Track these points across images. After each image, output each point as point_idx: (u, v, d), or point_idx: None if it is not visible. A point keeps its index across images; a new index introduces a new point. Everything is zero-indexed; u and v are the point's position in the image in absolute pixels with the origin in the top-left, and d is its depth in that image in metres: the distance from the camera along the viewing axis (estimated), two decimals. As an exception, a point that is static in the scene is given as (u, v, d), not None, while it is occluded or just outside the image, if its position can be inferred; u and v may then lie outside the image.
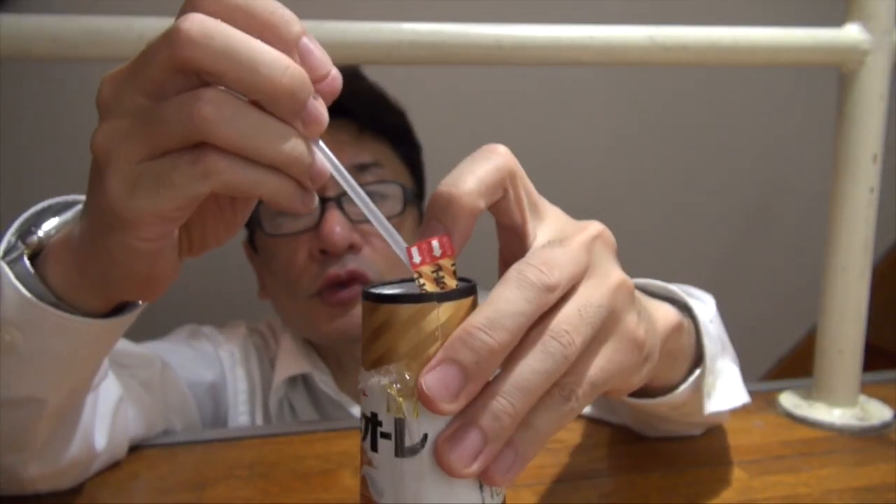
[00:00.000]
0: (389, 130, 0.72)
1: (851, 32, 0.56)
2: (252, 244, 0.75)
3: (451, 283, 0.27)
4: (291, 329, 0.76)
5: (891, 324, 1.33)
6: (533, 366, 0.26)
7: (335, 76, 0.28)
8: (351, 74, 0.61)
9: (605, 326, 0.28)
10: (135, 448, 0.55)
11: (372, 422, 0.26)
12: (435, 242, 0.27)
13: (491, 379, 0.26)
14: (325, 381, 0.72)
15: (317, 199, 0.29)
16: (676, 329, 0.39)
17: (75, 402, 0.42)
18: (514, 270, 0.27)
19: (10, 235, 0.34)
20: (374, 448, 0.27)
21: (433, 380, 0.25)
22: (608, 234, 0.31)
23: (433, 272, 0.26)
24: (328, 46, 0.50)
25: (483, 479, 0.26)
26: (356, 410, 0.72)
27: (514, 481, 0.27)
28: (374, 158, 0.69)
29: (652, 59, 0.53)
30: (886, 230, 1.49)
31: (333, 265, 0.65)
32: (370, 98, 0.72)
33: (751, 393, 0.65)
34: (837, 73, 0.57)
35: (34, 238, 0.35)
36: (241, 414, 0.73)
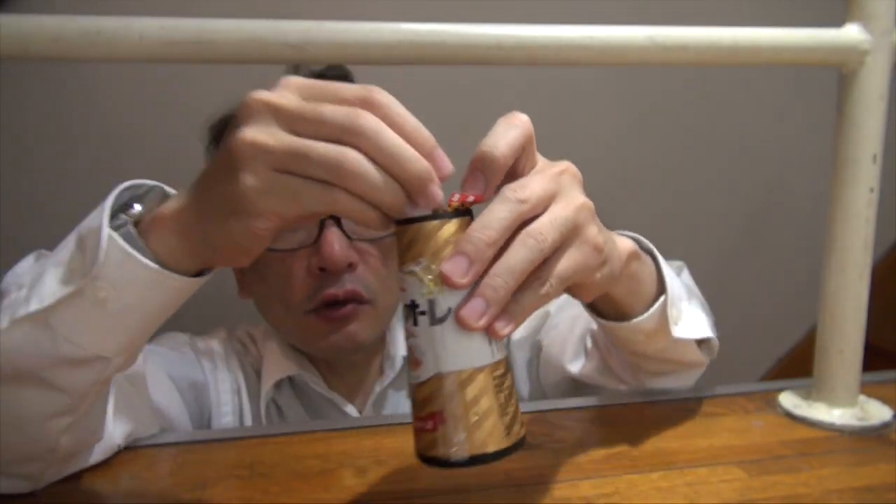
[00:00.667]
0: None
1: (851, 32, 0.56)
2: None
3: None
4: (281, 336, 0.76)
5: (891, 324, 1.33)
6: (517, 255, 0.37)
7: (450, 171, 0.38)
8: (342, 78, 0.65)
9: (570, 233, 0.39)
10: (135, 448, 0.55)
11: (412, 307, 0.37)
12: (470, 199, 0.38)
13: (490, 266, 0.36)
14: (315, 382, 0.74)
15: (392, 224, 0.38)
16: (634, 255, 0.50)
17: (126, 369, 0.45)
18: (500, 193, 0.38)
19: (108, 210, 0.40)
20: (416, 323, 0.37)
21: (449, 265, 0.36)
22: (574, 169, 0.42)
23: (457, 207, 0.38)
24: (328, 46, 0.50)
25: (489, 334, 0.37)
26: (350, 409, 0.74)
27: (509, 335, 0.38)
28: None
29: (652, 59, 0.53)
30: (886, 230, 1.49)
31: (332, 285, 0.66)
32: None
33: (751, 393, 0.66)
34: (837, 73, 0.57)
35: (134, 211, 0.42)
36: (224, 415, 0.74)
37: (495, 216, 0.37)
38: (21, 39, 0.45)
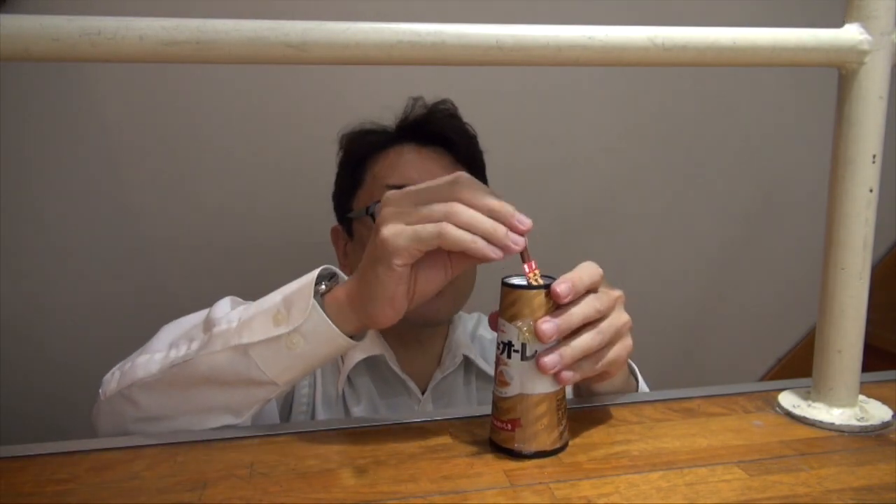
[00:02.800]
0: (471, 162, 0.87)
1: (851, 32, 0.56)
2: (348, 232, 0.89)
3: (540, 280, 0.53)
4: None
5: (891, 324, 1.33)
6: (588, 339, 0.53)
7: (527, 227, 0.52)
8: (450, 114, 0.90)
9: (618, 337, 0.55)
10: (135, 448, 0.56)
11: (509, 345, 0.52)
12: (533, 263, 0.53)
13: (571, 333, 0.52)
14: (392, 361, 0.85)
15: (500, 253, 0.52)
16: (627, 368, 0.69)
17: (282, 396, 0.66)
18: (588, 297, 0.53)
19: (313, 285, 0.56)
20: (509, 356, 0.52)
21: (545, 326, 0.51)
22: (624, 297, 0.57)
23: (534, 274, 0.53)
24: (328, 46, 0.50)
25: (556, 377, 0.52)
26: (414, 387, 0.86)
27: (570, 383, 0.54)
28: None
29: (652, 59, 0.53)
30: (886, 230, 1.50)
31: None
32: (461, 136, 0.88)
33: (751, 393, 0.66)
34: (837, 73, 0.57)
35: (322, 288, 0.57)
36: (301, 405, 0.85)
37: (582, 311, 0.52)
38: (21, 39, 0.45)
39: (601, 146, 1.31)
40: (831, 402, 0.60)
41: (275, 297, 0.57)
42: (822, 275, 0.59)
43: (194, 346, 0.59)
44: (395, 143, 0.86)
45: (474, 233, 0.50)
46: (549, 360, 0.51)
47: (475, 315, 0.99)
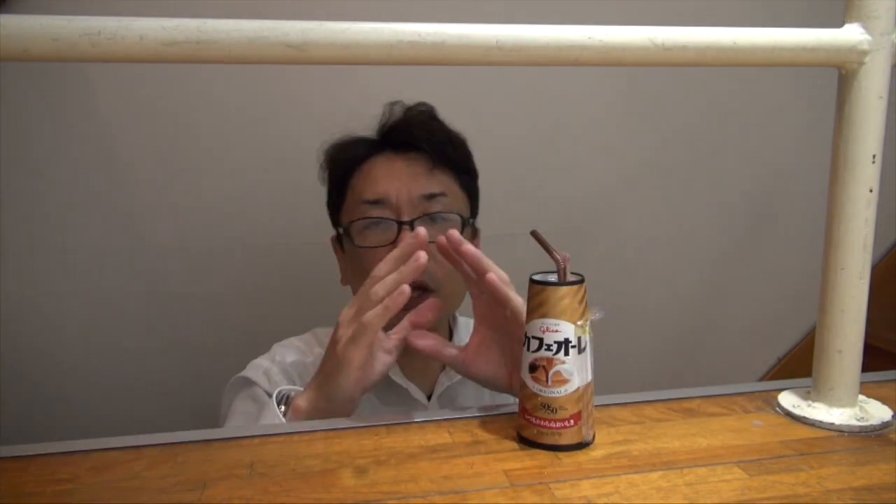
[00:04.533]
0: (455, 164, 0.86)
1: (851, 32, 0.56)
2: (340, 244, 0.90)
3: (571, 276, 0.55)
4: None
5: (891, 324, 1.33)
6: None
7: (422, 236, 0.64)
8: (428, 116, 0.88)
9: None
10: (135, 448, 0.56)
11: (565, 343, 0.53)
12: (567, 255, 0.54)
13: None
14: (394, 372, 0.85)
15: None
16: None
17: None
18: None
19: (277, 409, 0.68)
20: (566, 353, 0.53)
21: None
22: None
23: (564, 269, 0.55)
24: (328, 46, 0.50)
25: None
26: (418, 393, 0.86)
27: None
28: (441, 189, 0.83)
29: (652, 59, 0.53)
30: (886, 230, 1.49)
31: None
32: (441, 138, 0.86)
33: (751, 393, 0.66)
34: (837, 73, 0.57)
35: (283, 396, 0.69)
36: None
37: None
38: (21, 39, 0.45)
39: (601, 146, 1.31)
40: (831, 402, 0.60)
41: (264, 413, 0.69)
42: (822, 275, 0.59)
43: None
44: (373, 154, 0.86)
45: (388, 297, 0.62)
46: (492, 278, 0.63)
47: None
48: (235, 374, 0.85)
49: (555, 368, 0.53)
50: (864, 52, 0.55)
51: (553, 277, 0.55)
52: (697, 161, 1.37)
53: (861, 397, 0.61)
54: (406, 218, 0.81)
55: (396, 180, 0.82)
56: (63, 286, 1.18)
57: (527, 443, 0.55)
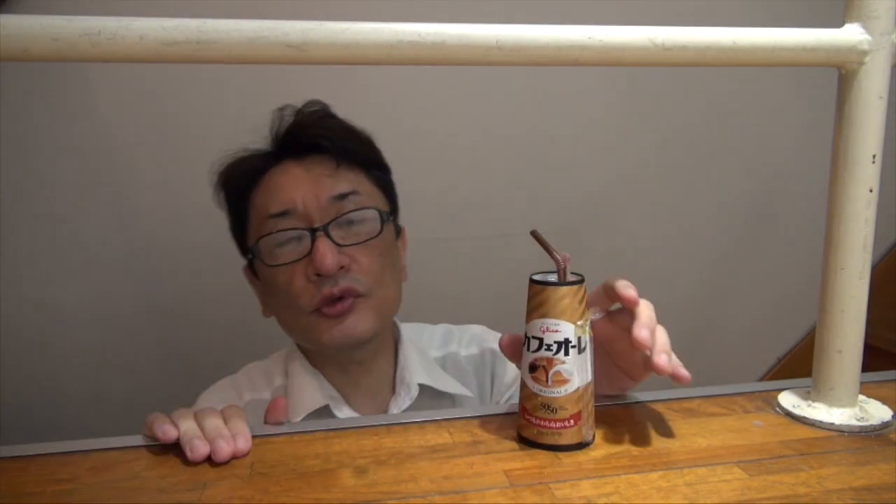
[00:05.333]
0: (362, 160, 0.80)
1: (851, 32, 0.56)
2: (252, 271, 0.83)
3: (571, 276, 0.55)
4: (295, 338, 0.82)
5: (891, 324, 1.33)
6: (663, 334, 0.56)
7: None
8: (323, 114, 0.80)
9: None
10: (135, 448, 0.56)
11: (566, 342, 0.53)
12: (567, 255, 0.55)
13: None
14: (340, 407, 0.78)
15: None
16: None
17: None
18: (643, 303, 0.56)
19: None
20: (566, 353, 0.53)
21: (641, 332, 0.53)
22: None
23: (564, 269, 0.54)
24: (328, 46, 0.50)
25: (676, 378, 0.54)
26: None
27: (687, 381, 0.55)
28: (351, 188, 0.77)
29: (652, 59, 0.53)
30: (886, 230, 1.49)
31: (328, 284, 0.74)
32: (342, 134, 0.79)
33: (751, 393, 0.66)
34: (837, 73, 0.57)
35: None
36: None
37: (650, 314, 0.55)
38: (21, 39, 0.45)
39: (601, 146, 1.31)
40: (831, 402, 0.60)
41: None
42: (822, 275, 0.59)
43: None
44: (270, 165, 0.78)
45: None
46: (664, 362, 0.53)
47: (440, 328, 0.91)
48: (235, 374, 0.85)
49: (555, 368, 0.53)
50: (864, 52, 0.55)
51: (553, 277, 0.55)
52: (697, 161, 1.37)
53: (861, 397, 0.61)
54: (318, 224, 0.74)
55: (300, 186, 0.75)
56: (63, 286, 1.18)
57: (527, 443, 0.55)
